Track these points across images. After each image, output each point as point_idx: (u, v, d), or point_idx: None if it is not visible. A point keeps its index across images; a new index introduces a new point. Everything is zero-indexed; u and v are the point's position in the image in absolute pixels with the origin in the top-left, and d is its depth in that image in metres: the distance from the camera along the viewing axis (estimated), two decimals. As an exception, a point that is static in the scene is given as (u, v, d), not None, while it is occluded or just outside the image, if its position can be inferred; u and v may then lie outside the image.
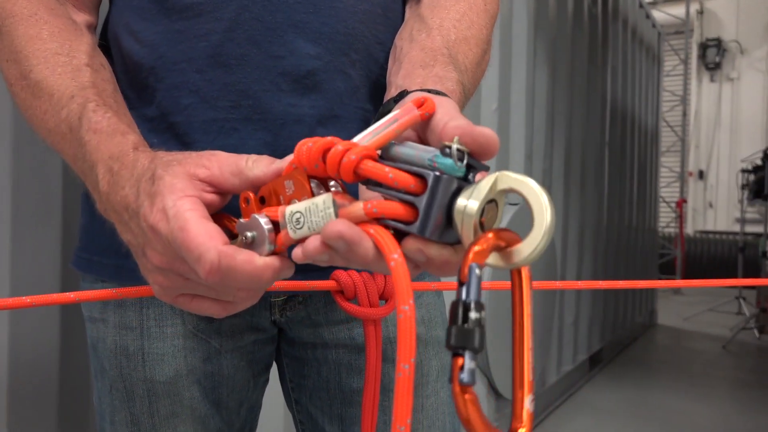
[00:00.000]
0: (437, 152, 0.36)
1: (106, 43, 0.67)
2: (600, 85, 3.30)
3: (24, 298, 0.53)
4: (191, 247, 0.40)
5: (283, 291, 0.67)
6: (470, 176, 0.38)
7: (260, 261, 0.40)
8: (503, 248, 0.36)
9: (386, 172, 0.36)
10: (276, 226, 0.41)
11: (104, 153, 0.49)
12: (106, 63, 0.60)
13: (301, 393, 0.77)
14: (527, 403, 0.36)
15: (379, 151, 0.40)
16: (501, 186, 0.36)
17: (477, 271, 0.34)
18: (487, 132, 0.38)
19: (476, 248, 0.35)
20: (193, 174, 0.43)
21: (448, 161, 0.36)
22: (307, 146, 0.39)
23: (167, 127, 0.62)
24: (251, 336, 0.70)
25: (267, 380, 0.79)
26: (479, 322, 0.33)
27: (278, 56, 0.60)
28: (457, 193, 0.36)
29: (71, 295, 0.55)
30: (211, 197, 0.44)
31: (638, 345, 4.11)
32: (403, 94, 0.50)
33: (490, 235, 0.35)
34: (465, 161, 0.36)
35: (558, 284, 0.87)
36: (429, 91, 0.49)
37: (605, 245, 3.44)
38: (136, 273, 0.64)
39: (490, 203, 0.36)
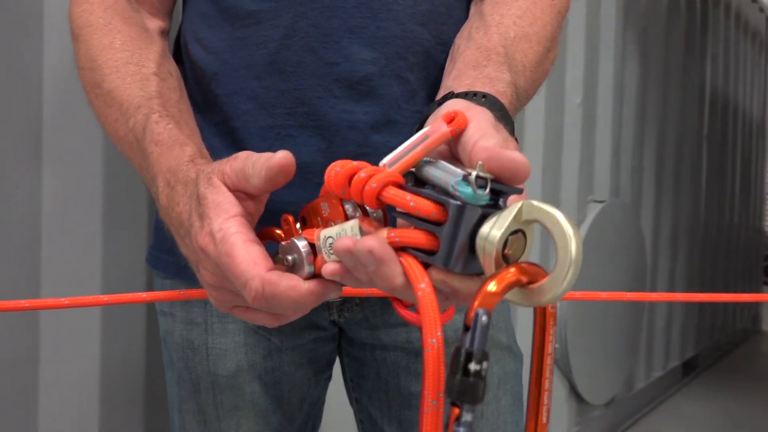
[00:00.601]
0: (460, 178, 0.34)
1: (178, 50, 0.70)
2: (698, 76, 3.11)
3: (102, 296, 0.56)
4: (237, 274, 0.41)
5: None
6: (501, 201, 0.35)
7: (304, 287, 0.40)
8: (525, 284, 0.33)
9: (408, 200, 0.35)
10: (314, 248, 0.41)
11: (163, 165, 0.50)
12: (175, 70, 0.62)
13: (361, 392, 0.77)
14: None
15: (413, 169, 0.38)
16: (526, 216, 0.33)
17: (483, 318, 0.31)
18: (515, 157, 0.35)
19: (487, 289, 0.32)
20: (228, 185, 0.44)
21: (468, 190, 0.34)
22: (335, 171, 0.38)
23: (228, 132, 0.64)
24: (311, 334, 0.71)
25: (330, 377, 0.80)
26: (480, 374, 0.31)
27: (333, 62, 0.61)
28: (481, 221, 0.34)
29: (144, 295, 0.58)
30: (248, 203, 0.44)
31: (739, 353, 3.85)
32: (448, 96, 0.48)
33: (512, 270, 0.33)
34: (488, 189, 0.34)
35: (646, 296, 0.83)
36: (475, 94, 0.47)
37: (702, 246, 3.24)
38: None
39: (516, 234, 0.34)
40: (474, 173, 0.34)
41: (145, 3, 0.66)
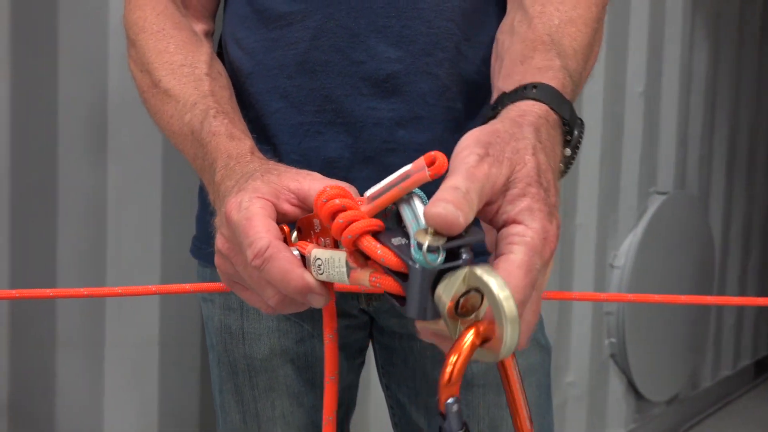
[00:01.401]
0: (414, 242, 0.36)
1: (220, 50, 0.74)
2: (776, 63, 2.93)
3: (151, 287, 0.61)
4: (249, 233, 0.43)
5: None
6: (463, 252, 0.36)
7: (299, 269, 0.42)
8: (481, 344, 0.36)
9: (378, 254, 0.37)
10: (305, 258, 0.43)
11: (223, 152, 0.54)
12: (223, 70, 0.67)
13: (391, 379, 0.80)
14: None
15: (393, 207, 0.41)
16: (469, 283, 0.35)
17: (454, 408, 0.35)
18: (435, 213, 0.35)
19: (446, 380, 0.35)
20: (285, 186, 0.46)
21: (421, 257, 0.35)
22: (322, 202, 0.41)
23: (260, 129, 0.68)
24: (342, 321, 0.74)
25: (363, 362, 0.83)
26: None
27: (359, 61, 0.63)
28: (440, 278, 0.36)
29: (187, 286, 0.62)
30: (292, 208, 0.46)
31: (819, 354, 3.63)
32: (501, 100, 0.48)
33: (466, 341, 0.35)
34: (440, 255, 0.35)
35: (710, 299, 0.82)
36: (525, 87, 0.47)
37: (779, 240, 3.07)
38: None
39: (469, 292, 0.35)
40: (425, 244, 0.35)
41: (192, 7, 0.70)
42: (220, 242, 0.47)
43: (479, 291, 0.35)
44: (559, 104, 0.46)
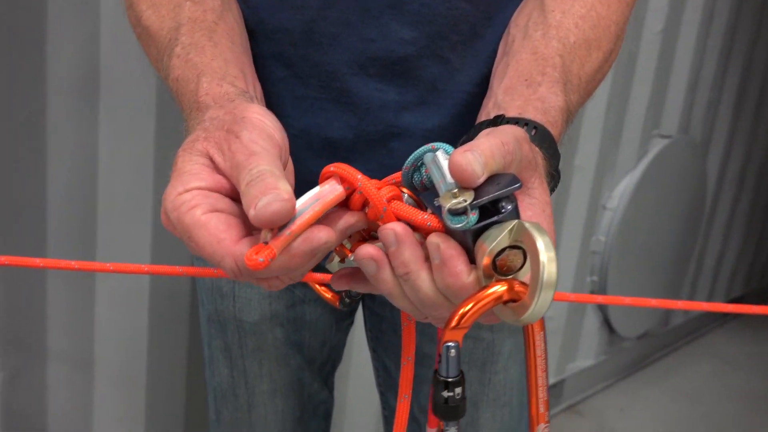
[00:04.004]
0: (438, 203, 0.35)
1: None
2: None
3: (143, 266, 0.59)
4: (207, 256, 0.37)
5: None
6: (503, 205, 0.35)
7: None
8: (507, 302, 0.35)
9: (423, 219, 0.36)
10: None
11: (185, 105, 0.48)
12: None
13: (378, 344, 0.82)
14: (540, 431, 0.39)
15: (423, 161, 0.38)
16: (515, 236, 0.34)
17: (452, 352, 0.34)
18: (455, 162, 0.35)
19: (453, 323, 0.34)
20: (216, 165, 0.38)
21: (450, 218, 0.34)
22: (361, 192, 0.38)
23: (265, 96, 0.64)
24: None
25: (351, 323, 0.84)
26: (455, 399, 0.35)
27: (370, 39, 0.59)
28: (481, 231, 0.35)
29: (179, 269, 0.61)
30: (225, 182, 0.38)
31: (790, 295, 3.75)
32: (498, 120, 0.47)
33: (491, 291, 0.34)
34: (468, 213, 0.34)
35: (679, 304, 0.83)
36: (527, 123, 0.46)
37: (771, 186, 3.08)
38: None
39: (514, 249, 0.34)
40: (445, 207, 0.34)
41: None
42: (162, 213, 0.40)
43: (522, 249, 0.34)
44: (552, 155, 0.45)
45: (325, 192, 0.37)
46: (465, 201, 0.34)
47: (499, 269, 0.34)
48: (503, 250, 0.34)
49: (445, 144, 0.38)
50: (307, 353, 0.79)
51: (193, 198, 0.37)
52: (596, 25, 0.54)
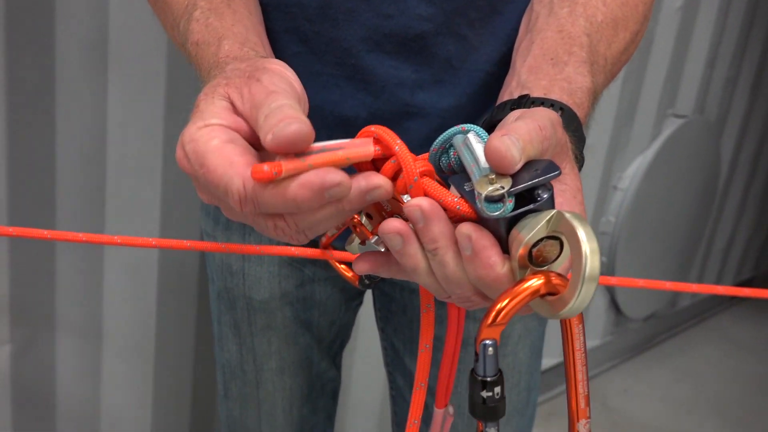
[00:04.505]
0: (472, 189, 0.34)
1: None
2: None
3: (150, 239, 0.59)
4: (215, 182, 0.35)
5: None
6: (539, 193, 0.33)
7: (293, 179, 0.33)
8: (544, 295, 0.33)
9: (454, 202, 0.35)
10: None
11: (205, 66, 0.47)
12: None
13: (387, 324, 0.81)
14: (581, 428, 0.37)
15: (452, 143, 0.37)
16: (553, 227, 0.32)
17: (490, 350, 0.33)
18: (492, 147, 0.33)
19: (490, 320, 0.33)
20: (237, 109, 0.37)
21: (485, 206, 0.33)
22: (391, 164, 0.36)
23: None
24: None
25: (360, 303, 0.84)
26: (494, 399, 0.34)
27: (387, 15, 0.57)
28: (516, 220, 0.33)
29: (186, 243, 0.60)
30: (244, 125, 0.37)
31: (800, 278, 3.73)
32: (523, 100, 0.45)
33: (527, 285, 0.33)
34: (505, 201, 0.33)
35: (694, 287, 0.81)
36: (552, 104, 0.44)
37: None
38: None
39: (552, 239, 0.33)
40: (483, 194, 0.33)
41: None
42: (202, 197, 0.39)
43: (559, 239, 0.33)
44: (578, 139, 0.43)
45: (356, 143, 0.35)
46: (502, 188, 0.32)
47: (534, 260, 0.33)
48: (540, 240, 0.33)
49: (475, 126, 0.36)
50: (316, 332, 0.79)
51: (212, 131, 0.36)
52: (624, 3, 0.52)
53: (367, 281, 0.53)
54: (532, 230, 0.32)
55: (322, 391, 0.83)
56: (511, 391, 0.75)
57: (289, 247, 0.59)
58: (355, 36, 0.58)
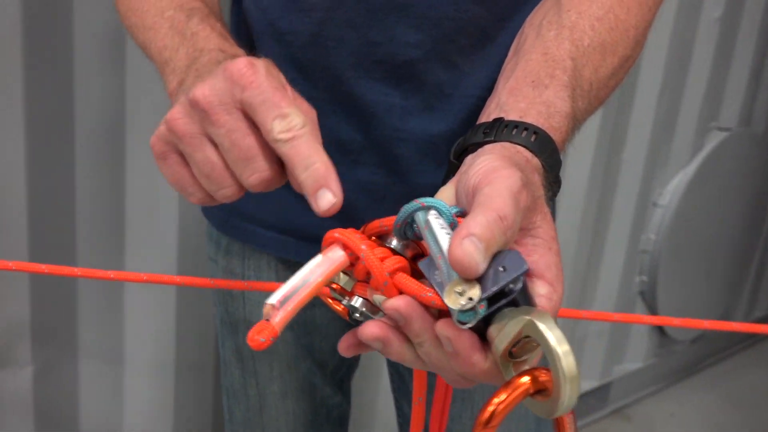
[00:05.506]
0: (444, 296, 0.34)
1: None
2: None
3: (176, 277, 0.61)
4: (282, 103, 0.38)
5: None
6: (511, 287, 0.33)
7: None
8: (534, 394, 0.34)
9: (429, 297, 0.35)
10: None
11: (214, 46, 0.48)
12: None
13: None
14: None
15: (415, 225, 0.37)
16: (526, 333, 0.33)
17: None
18: (455, 256, 0.32)
19: (485, 419, 0.33)
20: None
21: (459, 317, 0.33)
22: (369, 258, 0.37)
23: None
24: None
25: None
26: None
27: (375, 42, 0.57)
28: (489, 319, 0.34)
29: (212, 281, 0.61)
30: None
31: None
32: (497, 123, 0.44)
33: (519, 382, 0.33)
34: (476, 310, 0.33)
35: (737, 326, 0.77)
36: (526, 128, 0.42)
37: None
38: (239, 228, 0.69)
39: (527, 337, 0.33)
40: (456, 311, 0.33)
41: None
42: (200, 93, 0.39)
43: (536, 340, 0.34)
44: (552, 165, 0.42)
45: (328, 258, 0.37)
46: (471, 299, 0.33)
47: (515, 356, 0.34)
48: (518, 340, 0.34)
49: (435, 201, 0.36)
50: (318, 357, 0.78)
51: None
52: (613, 28, 0.51)
53: (358, 316, 0.53)
54: (507, 336, 0.33)
55: (327, 417, 0.82)
56: (518, 423, 0.72)
57: (277, 283, 0.59)
58: (345, 63, 0.59)
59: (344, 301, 0.40)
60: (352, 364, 0.83)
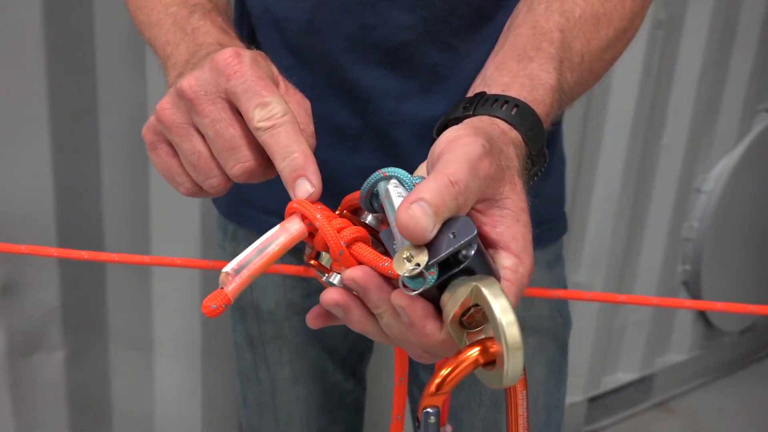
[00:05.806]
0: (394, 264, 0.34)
1: None
2: None
3: (208, 262, 0.62)
4: (264, 92, 0.39)
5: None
6: (462, 254, 0.33)
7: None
8: (484, 365, 0.34)
9: (386, 267, 0.35)
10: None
11: (213, 37, 0.48)
12: None
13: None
14: None
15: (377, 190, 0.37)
16: (474, 300, 0.32)
17: (431, 419, 0.33)
18: (400, 221, 0.32)
19: (432, 389, 0.33)
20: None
21: (407, 283, 0.33)
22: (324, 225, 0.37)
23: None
24: None
25: (376, 314, 0.82)
26: None
27: (369, 25, 0.57)
28: (444, 285, 0.33)
29: (209, 263, 0.62)
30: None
31: None
32: (478, 97, 0.43)
33: (469, 354, 0.33)
34: (426, 276, 0.32)
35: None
36: (507, 101, 0.41)
37: None
38: (244, 215, 0.70)
39: (477, 307, 0.33)
40: (402, 276, 0.33)
41: None
42: (186, 84, 0.40)
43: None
44: (533, 138, 0.41)
45: (286, 228, 0.37)
46: (418, 265, 0.32)
47: (467, 325, 0.34)
48: (468, 308, 0.33)
49: (397, 170, 0.36)
50: (327, 342, 0.78)
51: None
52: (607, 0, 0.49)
53: None
54: (456, 303, 0.32)
55: (340, 403, 0.82)
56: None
57: (274, 266, 0.59)
58: (340, 48, 0.58)
59: (323, 278, 0.40)
60: (363, 351, 0.83)
